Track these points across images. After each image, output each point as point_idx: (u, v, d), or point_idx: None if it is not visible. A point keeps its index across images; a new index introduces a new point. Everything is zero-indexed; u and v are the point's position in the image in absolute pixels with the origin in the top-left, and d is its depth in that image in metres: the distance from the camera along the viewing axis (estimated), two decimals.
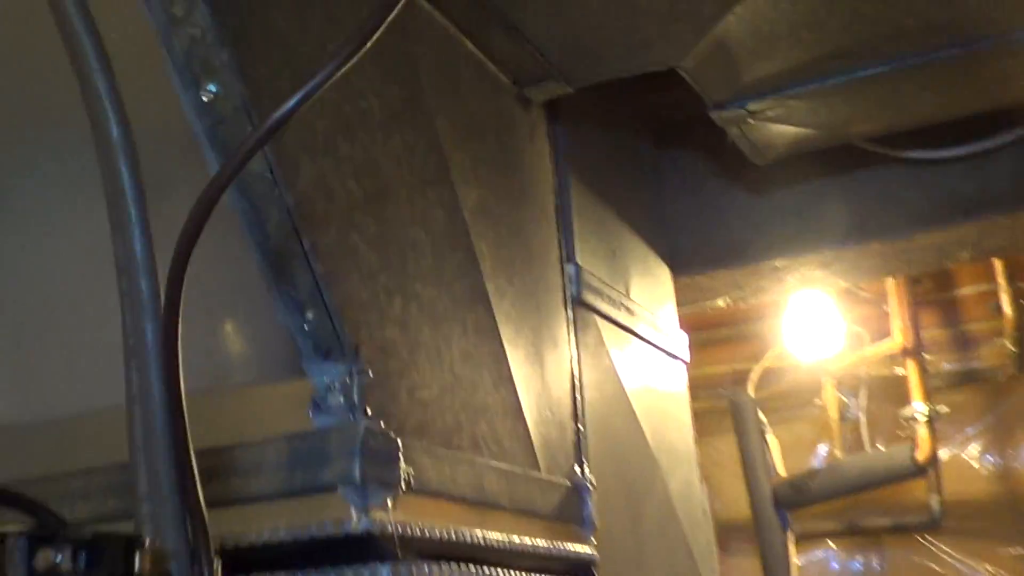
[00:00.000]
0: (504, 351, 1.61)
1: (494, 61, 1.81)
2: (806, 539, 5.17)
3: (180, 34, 1.16)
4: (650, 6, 1.69)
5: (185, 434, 0.99)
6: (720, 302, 2.84)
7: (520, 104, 1.90)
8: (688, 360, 2.57)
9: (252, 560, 1.24)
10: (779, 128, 2.15)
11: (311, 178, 1.26)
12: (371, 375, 1.27)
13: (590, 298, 2.04)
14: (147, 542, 0.91)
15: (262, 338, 1.36)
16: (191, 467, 1.00)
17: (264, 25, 1.24)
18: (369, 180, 1.37)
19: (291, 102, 1.03)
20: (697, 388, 4.96)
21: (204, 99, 1.18)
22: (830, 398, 4.95)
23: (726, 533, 5.18)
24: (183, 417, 1.00)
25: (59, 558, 0.84)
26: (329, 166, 1.29)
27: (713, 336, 4.62)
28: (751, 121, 2.09)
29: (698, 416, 4.99)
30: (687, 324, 2.63)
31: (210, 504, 1.28)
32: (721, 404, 4.72)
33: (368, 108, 1.40)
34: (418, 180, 1.48)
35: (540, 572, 1.53)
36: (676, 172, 2.73)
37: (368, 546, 1.20)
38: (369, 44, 1.09)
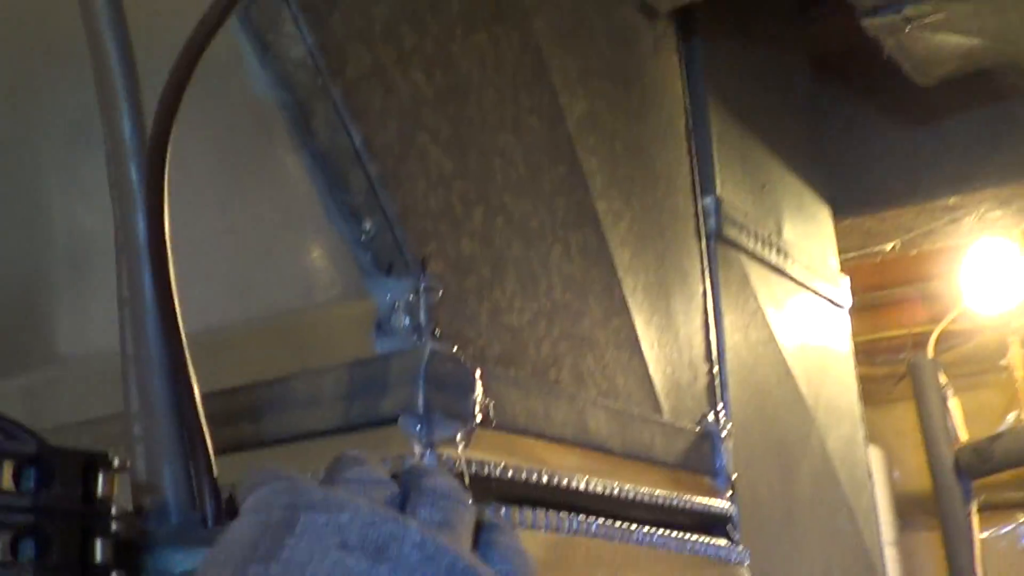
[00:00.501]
0: (617, 279, 1.42)
1: None
2: (993, 511, 4.83)
3: None
4: None
5: (180, 342, 0.83)
6: (888, 247, 2.59)
7: (642, 14, 1.70)
8: (850, 307, 2.33)
9: None
10: (941, 38, 1.90)
11: (365, 68, 1.09)
12: (441, 292, 1.10)
13: (732, 233, 1.83)
14: (115, 462, 0.75)
15: (325, 255, 1.20)
16: (189, 381, 0.83)
17: None
18: (443, 76, 1.19)
19: None
20: (876, 353, 4.71)
21: None
22: (1017, 358, 4.57)
23: (907, 506, 4.88)
24: (177, 321, 0.84)
25: None
26: (389, 56, 1.12)
27: (890, 296, 4.33)
28: (909, 29, 1.85)
29: (876, 381, 4.74)
30: (859, 282, 2.40)
31: (264, 442, 1.15)
32: (900, 369, 4.43)
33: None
34: (508, 83, 1.30)
35: (660, 526, 1.34)
36: (836, 106, 2.50)
37: None
38: None
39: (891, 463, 4.79)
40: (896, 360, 4.52)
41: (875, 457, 4.60)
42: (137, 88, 0.92)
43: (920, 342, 4.42)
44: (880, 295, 4.21)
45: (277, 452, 1.13)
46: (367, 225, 1.08)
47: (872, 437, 4.72)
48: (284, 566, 0.65)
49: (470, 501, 0.75)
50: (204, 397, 1.18)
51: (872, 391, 4.76)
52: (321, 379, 1.11)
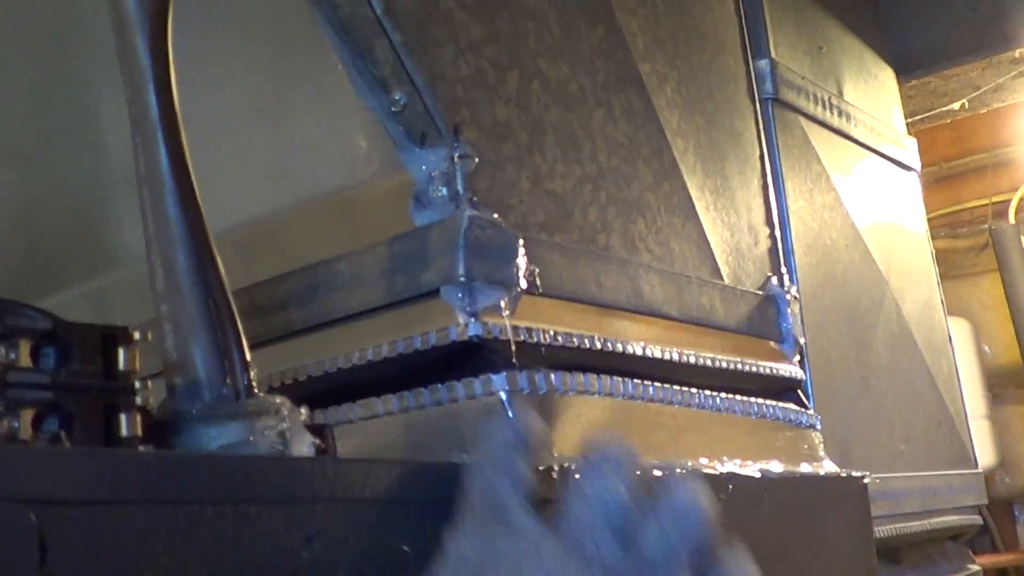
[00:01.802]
0: (667, 141, 1.38)
1: None
2: None
3: None
4: None
5: (200, 216, 0.81)
6: (956, 106, 2.51)
7: None
8: (919, 169, 2.26)
9: (357, 383, 1.06)
10: None
11: None
12: (476, 160, 1.07)
13: (791, 96, 1.78)
14: (136, 336, 0.73)
15: (360, 132, 1.17)
16: (212, 256, 0.81)
17: None
18: None
19: None
20: (958, 225, 4.61)
21: None
22: None
23: (998, 380, 4.80)
24: (195, 196, 0.81)
25: (12, 356, 0.67)
26: None
27: (968, 166, 4.22)
28: None
29: (960, 254, 4.65)
30: (936, 153, 2.33)
31: (312, 327, 1.13)
32: (983, 240, 4.33)
33: None
34: None
35: (723, 391, 1.31)
36: None
37: (480, 355, 1.01)
38: None
39: (980, 337, 4.71)
40: (979, 231, 4.41)
41: (963, 330, 4.52)
42: None
43: (1001, 211, 4.32)
44: (957, 165, 4.11)
45: (326, 335, 1.11)
46: (396, 96, 1.05)
47: (960, 311, 4.65)
48: None
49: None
50: (251, 287, 1.17)
51: (956, 263, 4.67)
52: (363, 258, 1.09)
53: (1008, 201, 4.30)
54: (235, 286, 1.13)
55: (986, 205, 4.32)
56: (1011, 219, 4.23)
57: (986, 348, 4.81)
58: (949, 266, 4.59)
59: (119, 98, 1.34)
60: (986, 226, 4.20)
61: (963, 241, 4.50)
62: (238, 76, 1.32)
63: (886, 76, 2.26)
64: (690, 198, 1.39)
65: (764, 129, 1.66)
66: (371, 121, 1.08)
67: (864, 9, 2.26)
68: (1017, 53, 2.32)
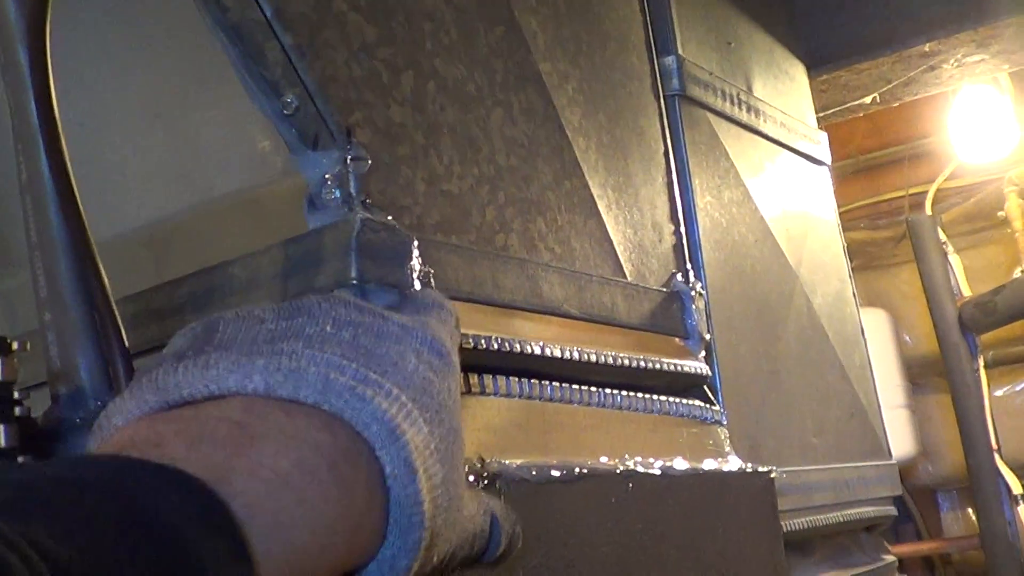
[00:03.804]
0: (568, 140, 1.38)
1: None
2: (1005, 367, 4.79)
3: None
4: None
5: (82, 224, 0.81)
6: (867, 100, 2.53)
7: None
8: (829, 163, 2.28)
9: None
10: None
11: None
12: (369, 161, 1.07)
13: (697, 92, 1.79)
14: (16, 344, 0.73)
15: (255, 135, 1.17)
16: (95, 264, 0.81)
17: None
18: None
19: None
20: (877, 216, 4.66)
21: None
22: (1015, 208, 4.48)
23: (918, 369, 4.86)
24: (76, 204, 0.81)
25: None
26: None
27: (885, 158, 4.27)
28: None
29: (878, 245, 4.70)
30: (853, 145, 2.36)
31: None
32: (901, 231, 4.38)
33: None
34: None
35: (627, 388, 1.32)
36: None
37: None
38: None
39: (900, 327, 4.77)
40: (897, 223, 4.46)
41: (883, 321, 4.58)
42: None
43: (918, 202, 4.38)
44: (875, 157, 4.16)
45: None
46: (288, 98, 1.04)
47: (879, 301, 4.71)
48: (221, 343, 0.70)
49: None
50: (151, 290, 1.16)
51: (876, 255, 4.73)
52: (258, 260, 1.09)
53: (925, 193, 4.36)
54: (145, 287, 1.13)
55: (903, 196, 4.38)
56: (928, 210, 4.29)
57: (906, 338, 4.87)
58: (868, 257, 4.65)
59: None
60: (903, 218, 4.24)
61: (882, 232, 4.56)
62: (141, 77, 1.31)
63: (797, 71, 2.29)
64: (592, 196, 1.39)
65: (670, 126, 1.67)
66: (265, 123, 1.08)
67: (775, 4, 2.28)
68: (928, 47, 2.35)
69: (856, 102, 2.51)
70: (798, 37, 2.33)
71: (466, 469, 0.92)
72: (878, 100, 2.53)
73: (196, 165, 1.23)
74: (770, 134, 2.04)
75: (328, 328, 0.72)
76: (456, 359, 0.81)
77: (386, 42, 1.14)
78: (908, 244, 4.17)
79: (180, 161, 1.25)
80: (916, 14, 2.36)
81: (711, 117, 1.83)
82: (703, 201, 1.71)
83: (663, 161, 1.61)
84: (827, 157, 2.27)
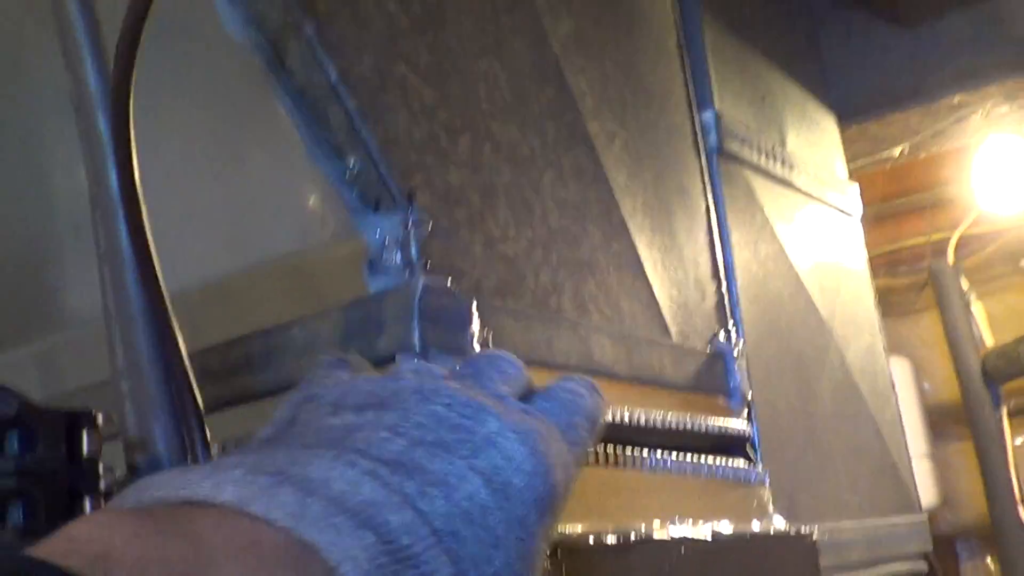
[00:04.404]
0: (615, 200, 1.39)
1: None
2: None
3: None
4: None
5: (161, 295, 0.81)
6: (896, 151, 2.54)
7: None
8: (861, 215, 2.29)
9: None
10: None
11: (336, 1, 1.06)
12: (431, 226, 1.07)
13: (735, 147, 1.80)
14: (100, 419, 0.73)
15: (315, 197, 1.17)
16: (173, 335, 0.81)
17: None
18: (418, 3, 1.16)
19: None
20: (897, 263, 4.66)
21: None
22: None
23: (938, 416, 4.84)
24: (156, 274, 0.81)
25: None
26: None
27: (906, 204, 4.27)
28: None
29: (899, 292, 4.69)
30: (874, 192, 2.36)
31: (263, 393, 1.13)
32: (922, 278, 4.38)
33: None
34: (487, 6, 1.27)
35: (674, 450, 1.32)
36: (833, 10, 2.45)
37: None
38: None
39: (920, 374, 4.75)
40: (918, 269, 4.46)
41: (903, 369, 4.56)
42: (99, 34, 0.90)
43: (940, 249, 4.37)
44: (896, 204, 4.16)
45: (280, 401, 1.11)
46: (350, 161, 1.05)
47: (899, 349, 4.70)
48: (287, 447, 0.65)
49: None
50: (204, 351, 1.16)
51: (896, 302, 4.72)
52: (317, 324, 1.09)
53: (946, 239, 4.36)
54: (193, 348, 1.13)
55: (925, 244, 4.38)
56: (950, 259, 4.29)
57: (926, 385, 4.86)
58: (889, 305, 4.63)
59: (68, 156, 1.34)
60: (925, 264, 4.25)
61: (902, 279, 4.55)
62: (190, 136, 1.31)
63: (828, 123, 2.29)
64: (639, 257, 1.40)
65: (710, 182, 1.67)
66: (326, 185, 1.08)
67: (806, 57, 2.30)
68: (956, 100, 2.36)
69: (885, 153, 2.52)
70: (828, 88, 2.33)
71: None
72: (906, 152, 2.54)
73: (246, 227, 1.24)
74: (803, 187, 2.04)
75: (393, 427, 0.65)
76: (555, 480, 0.68)
77: (444, 104, 1.15)
78: (929, 291, 4.17)
79: (230, 222, 1.25)
80: (944, 65, 2.37)
81: (747, 172, 1.84)
82: (741, 257, 1.71)
83: (704, 219, 1.61)
84: (858, 209, 2.28)
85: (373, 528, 0.57)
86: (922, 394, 4.72)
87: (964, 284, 4.07)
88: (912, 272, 4.49)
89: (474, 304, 1.06)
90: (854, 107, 2.38)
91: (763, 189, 1.87)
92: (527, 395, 0.79)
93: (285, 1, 1.02)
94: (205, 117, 1.30)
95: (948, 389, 4.64)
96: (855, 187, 2.28)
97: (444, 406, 0.67)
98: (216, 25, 1.06)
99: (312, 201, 1.17)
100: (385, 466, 0.61)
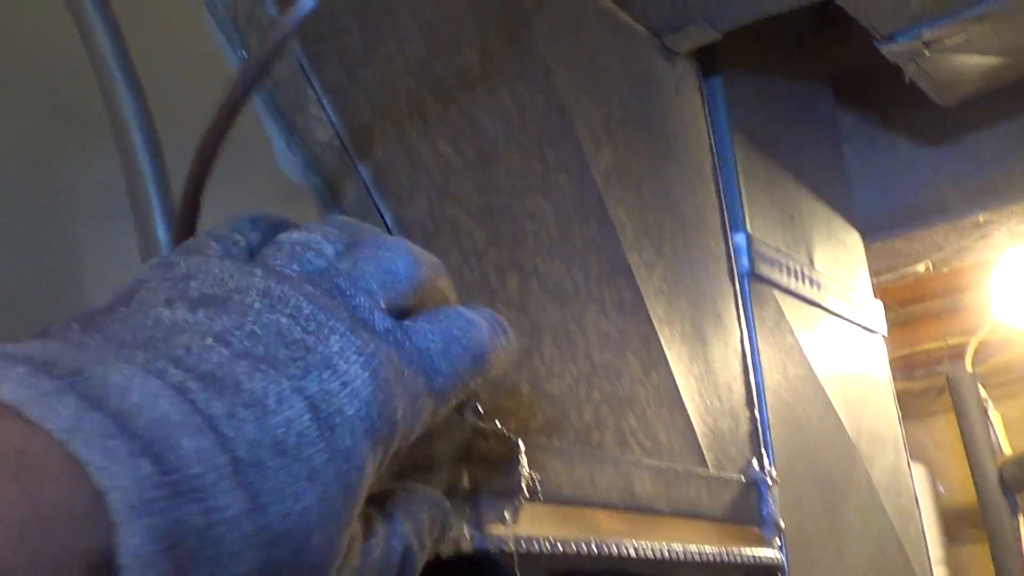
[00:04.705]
0: (655, 331, 1.40)
1: (625, 8, 1.60)
2: None
3: None
4: None
5: None
6: (920, 267, 2.56)
7: (661, 55, 1.69)
8: (885, 333, 2.30)
9: None
10: (961, 59, 1.88)
11: (392, 144, 1.08)
12: None
13: (765, 270, 1.81)
14: None
15: None
16: None
17: None
18: (469, 144, 1.18)
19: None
20: (912, 367, 4.66)
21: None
22: None
23: (952, 520, 4.82)
24: None
25: None
26: (415, 130, 1.12)
27: (923, 310, 4.29)
28: (928, 54, 1.83)
29: (915, 396, 4.70)
30: (892, 298, 2.38)
31: None
32: (938, 382, 4.38)
33: (466, 63, 1.22)
34: (534, 142, 1.29)
35: None
36: (858, 127, 2.48)
37: (486, 567, 1.02)
38: None
39: (935, 478, 4.75)
40: (934, 373, 4.47)
41: (918, 473, 4.56)
42: (163, 163, 0.92)
43: (956, 354, 4.38)
44: (913, 310, 4.17)
45: None
46: None
47: (914, 452, 4.68)
48: (104, 334, 0.57)
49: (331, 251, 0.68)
50: None
51: (912, 406, 4.71)
52: None
53: (963, 344, 4.37)
54: None
55: (941, 348, 4.39)
56: (968, 366, 4.30)
57: (940, 488, 4.85)
58: (904, 408, 4.62)
59: (103, 256, 1.36)
60: (941, 368, 4.26)
61: (918, 383, 4.56)
62: None
63: (853, 240, 2.31)
64: (676, 387, 1.41)
65: (743, 306, 1.69)
66: None
67: (832, 173, 2.32)
68: (981, 217, 2.38)
69: (909, 268, 2.53)
70: (853, 206, 2.36)
71: None
72: (931, 267, 2.56)
73: None
74: (830, 307, 2.06)
75: (221, 335, 0.58)
76: (395, 412, 0.62)
77: (494, 243, 1.17)
78: (945, 395, 4.17)
79: None
80: (968, 180, 2.39)
81: (777, 293, 1.85)
82: (771, 380, 1.72)
83: (739, 345, 1.63)
84: (883, 327, 2.29)
85: (156, 453, 0.50)
86: (937, 497, 4.71)
87: (982, 391, 4.07)
88: (928, 376, 4.50)
89: (522, 446, 1.07)
90: (879, 224, 2.40)
91: (792, 310, 1.89)
92: (412, 307, 0.69)
93: (342, 146, 1.04)
94: None
95: (963, 493, 4.62)
96: (879, 305, 2.29)
97: (288, 316, 0.60)
98: (273, 169, 1.08)
99: None
100: (199, 380, 0.54)
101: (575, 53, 1.44)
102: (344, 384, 0.58)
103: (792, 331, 1.87)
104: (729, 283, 1.67)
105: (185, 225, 0.82)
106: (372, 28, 1.10)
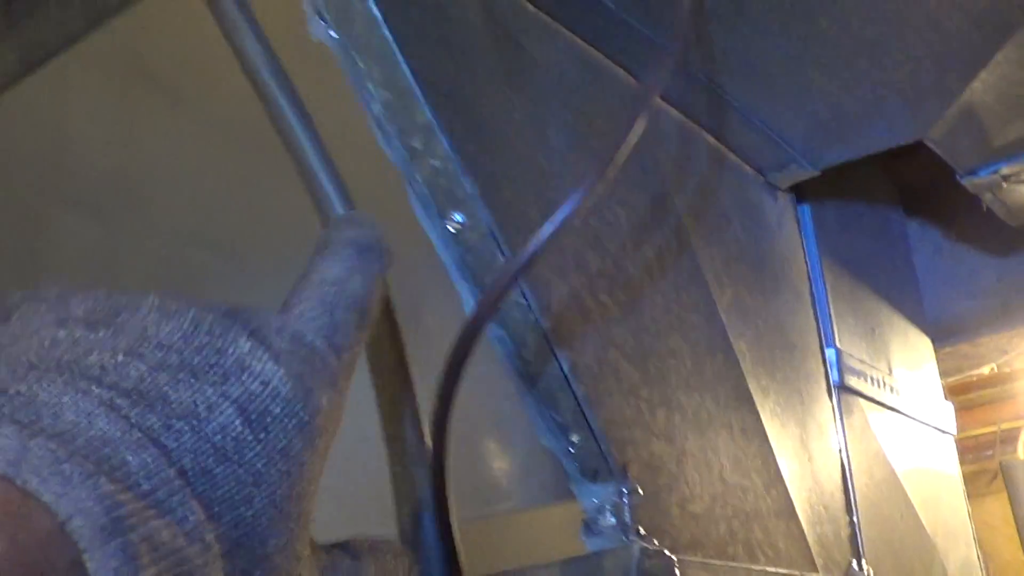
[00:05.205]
0: (772, 450, 1.56)
1: (735, 151, 1.78)
2: None
3: (421, 167, 1.17)
4: (892, 84, 1.64)
5: None
6: (985, 369, 2.71)
7: (766, 191, 1.86)
8: (955, 433, 2.45)
9: None
10: None
11: (564, 298, 1.25)
12: (641, 493, 1.25)
13: (852, 381, 1.97)
14: None
15: (527, 463, 1.35)
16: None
17: (504, 149, 1.25)
18: (622, 292, 1.35)
19: (543, 234, 1.03)
20: (964, 451, 4.78)
21: (451, 229, 1.19)
22: None
23: None
24: (459, 568, 0.99)
25: None
26: (581, 284, 1.29)
27: (977, 398, 4.43)
28: (1005, 185, 2.00)
29: (967, 479, 4.81)
30: (947, 388, 2.52)
31: None
32: (990, 465, 4.52)
33: (616, 219, 1.40)
34: (672, 286, 1.46)
35: None
36: (926, 238, 2.64)
37: None
38: (614, 167, 1.09)
39: (984, 558, 4.85)
40: (984, 457, 4.61)
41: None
42: (414, 395, 1.07)
43: (1007, 438, 4.52)
44: (967, 396, 4.31)
45: None
46: (574, 438, 1.23)
47: None
48: None
49: None
50: None
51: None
52: (537, 573, 1.26)
53: (1015, 429, 4.50)
54: None
55: (993, 433, 4.52)
56: (1020, 452, 4.43)
57: (991, 569, 4.95)
58: None
59: None
60: (991, 453, 4.39)
61: (969, 467, 4.70)
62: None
63: (925, 347, 2.47)
64: (791, 500, 1.57)
65: (838, 418, 1.85)
66: (546, 457, 1.26)
67: (905, 284, 2.48)
68: None
69: (975, 371, 2.68)
70: (924, 314, 2.51)
71: None
72: (995, 369, 2.70)
73: (480, 484, 1.42)
74: (908, 412, 2.21)
75: (131, 350, 0.54)
76: (319, 403, 0.59)
77: (646, 383, 1.34)
78: (995, 477, 4.30)
79: (475, 476, 1.43)
80: None
81: (863, 402, 2.01)
82: (860, 483, 1.88)
83: (838, 457, 1.79)
84: (953, 428, 2.44)
85: (107, 472, 0.47)
86: None
87: None
88: (979, 459, 4.64)
89: (676, 562, 1.23)
90: (946, 330, 2.55)
91: (875, 417, 2.04)
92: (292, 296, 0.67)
93: (527, 304, 1.21)
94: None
95: (1011, 572, 4.73)
96: (951, 407, 2.45)
97: (189, 322, 0.57)
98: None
99: (526, 468, 1.35)
100: (125, 396, 0.51)
101: (697, 197, 1.62)
102: (264, 384, 0.56)
103: (875, 437, 2.02)
104: (827, 397, 1.83)
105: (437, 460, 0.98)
106: (543, 194, 1.28)
